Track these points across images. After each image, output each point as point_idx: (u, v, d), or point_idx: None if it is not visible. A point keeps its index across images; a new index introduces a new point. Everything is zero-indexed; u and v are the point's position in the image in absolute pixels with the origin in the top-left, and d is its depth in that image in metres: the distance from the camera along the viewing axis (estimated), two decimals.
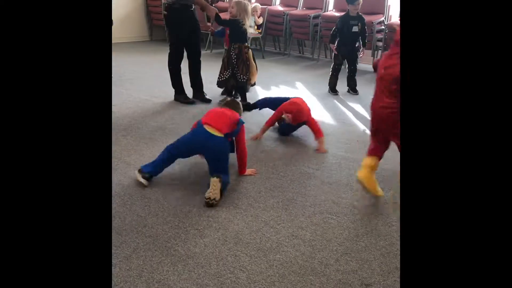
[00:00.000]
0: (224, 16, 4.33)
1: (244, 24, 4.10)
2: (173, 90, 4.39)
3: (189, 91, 4.43)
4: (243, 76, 4.13)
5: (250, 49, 4.21)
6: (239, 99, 4.36)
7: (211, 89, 4.56)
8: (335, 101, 4.75)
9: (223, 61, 4.25)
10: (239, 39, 4.13)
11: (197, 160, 2.98)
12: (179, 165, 2.88)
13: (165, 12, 4.22)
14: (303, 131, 3.62)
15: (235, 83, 4.23)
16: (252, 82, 4.30)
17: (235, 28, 4.12)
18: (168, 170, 2.78)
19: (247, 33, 4.19)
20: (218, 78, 4.27)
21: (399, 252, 2.08)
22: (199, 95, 4.44)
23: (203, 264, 1.93)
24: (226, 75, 4.19)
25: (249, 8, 4.19)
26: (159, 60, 4.44)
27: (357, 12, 4.77)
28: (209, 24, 4.98)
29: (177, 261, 1.94)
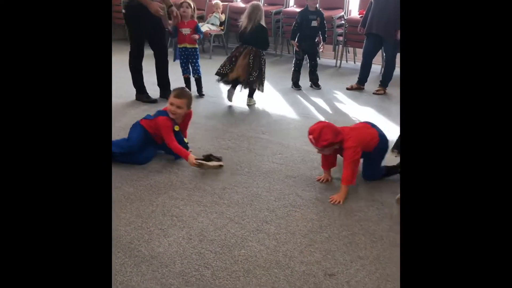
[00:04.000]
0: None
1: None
2: (135, 89, 4.33)
3: (154, 90, 4.37)
4: (253, 77, 4.14)
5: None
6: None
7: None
8: (298, 96, 4.80)
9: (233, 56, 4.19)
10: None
11: (159, 161, 2.95)
12: (141, 165, 2.85)
13: (124, 11, 4.14)
14: (264, 127, 3.63)
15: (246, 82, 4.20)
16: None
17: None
18: (130, 170, 2.74)
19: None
20: (223, 70, 4.21)
21: (361, 241, 2.13)
22: (166, 94, 4.39)
23: (167, 263, 1.91)
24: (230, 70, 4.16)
25: (261, 12, 4.19)
26: (120, 59, 4.34)
27: (316, 7, 4.83)
28: (170, 21, 4.91)
29: (140, 261, 1.92)
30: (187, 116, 3.08)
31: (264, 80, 4.27)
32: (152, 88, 4.41)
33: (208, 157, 2.88)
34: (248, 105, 4.31)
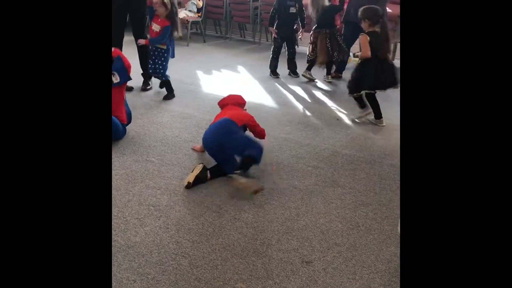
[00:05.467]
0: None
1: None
2: None
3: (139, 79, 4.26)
4: (335, 57, 4.69)
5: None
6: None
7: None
8: (276, 84, 4.79)
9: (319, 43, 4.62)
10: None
11: (136, 149, 2.92)
12: (116, 154, 2.80)
13: None
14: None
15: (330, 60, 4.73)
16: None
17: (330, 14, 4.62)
18: None
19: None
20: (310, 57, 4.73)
21: (338, 228, 2.16)
22: (145, 84, 4.26)
23: (144, 253, 1.90)
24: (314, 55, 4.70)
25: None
26: None
27: None
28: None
29: (116, 251, 1.89)
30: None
31: (343, 51, 4.72)
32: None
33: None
34: (328, 81, 4.90)
